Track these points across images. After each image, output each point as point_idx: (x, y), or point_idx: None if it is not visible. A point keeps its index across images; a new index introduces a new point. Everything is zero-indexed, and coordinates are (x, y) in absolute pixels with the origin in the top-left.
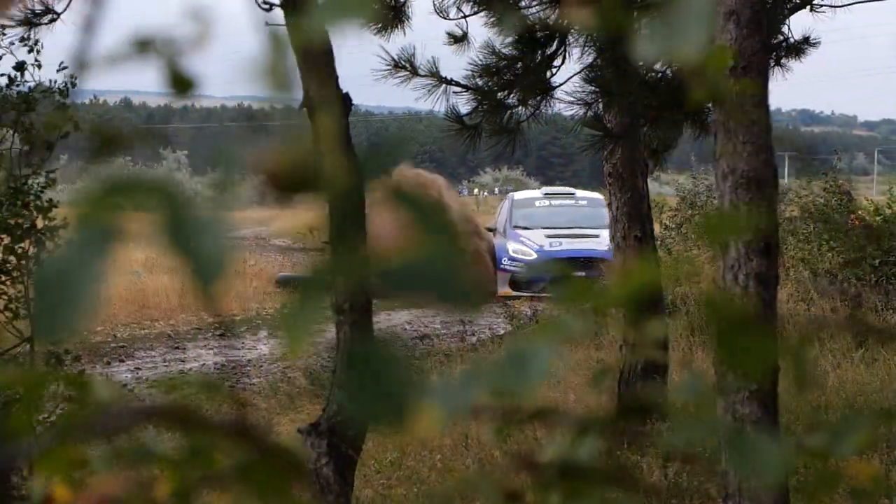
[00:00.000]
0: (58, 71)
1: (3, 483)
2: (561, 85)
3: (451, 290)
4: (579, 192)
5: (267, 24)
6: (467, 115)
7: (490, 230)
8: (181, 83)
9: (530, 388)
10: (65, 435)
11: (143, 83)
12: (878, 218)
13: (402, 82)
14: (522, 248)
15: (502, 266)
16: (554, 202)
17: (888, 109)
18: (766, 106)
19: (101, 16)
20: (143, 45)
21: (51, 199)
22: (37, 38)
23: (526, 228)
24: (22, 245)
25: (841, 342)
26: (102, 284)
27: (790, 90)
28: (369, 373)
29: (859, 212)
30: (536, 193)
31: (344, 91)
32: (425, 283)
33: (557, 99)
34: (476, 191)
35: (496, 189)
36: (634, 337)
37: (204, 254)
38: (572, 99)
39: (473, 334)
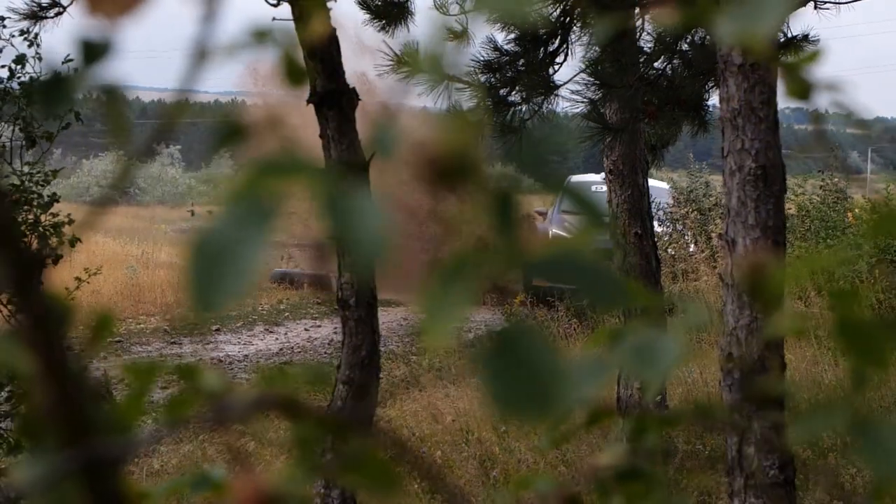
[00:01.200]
0: (63, 63)
1: (116, 476)
2: (565, 83)
3: (597, 287)
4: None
5: (274, 19)
6: (469, 111)
7: (540, 213)
8: (295, 74)
9: (659, 377)
10: (177, 426)
11: (136, 78)
12: (874, 216)
13: (404, 77)
14: (564, 233)
15: None
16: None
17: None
18: (775, 103)
19: (220, 6)
20: (262, 36)
21: (54, 194)
22: (36, 31)
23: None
24: (24, 241)
25: (853, 366)
26: (262, 259)
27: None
28: (516, 361)
29: (856, 210)
30: (596, 178)
31: (351, 86)
32: (574, 276)
33: (561, 97)
34: None
35: None
36: (764, 327)
37: (363, 232)
38: (576, 97)
39: (469, 331)
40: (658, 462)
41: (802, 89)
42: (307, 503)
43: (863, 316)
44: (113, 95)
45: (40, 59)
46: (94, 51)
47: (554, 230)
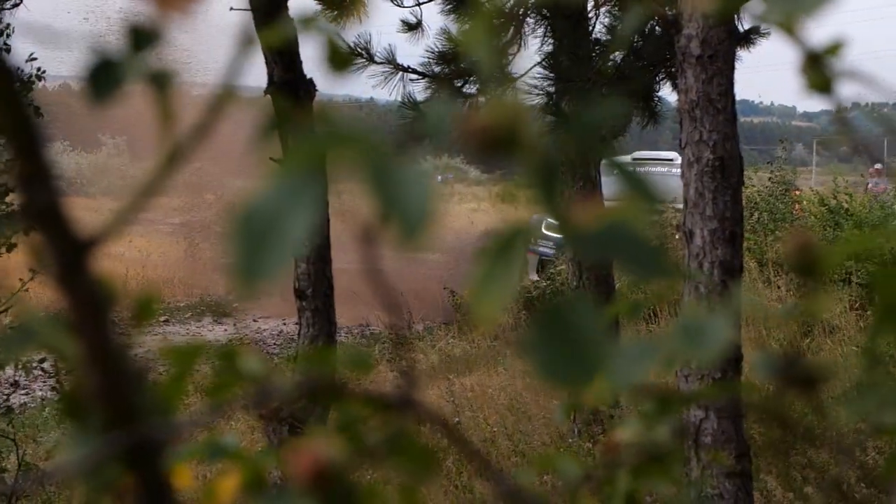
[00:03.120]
0: (27, 62)
1: (159, 459)
2: (521, 76)
3: (642, 260)
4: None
5: (232, 9)
6: (423, 102)
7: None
8: (340, 60)
9: (709, 357)
10: (220, 409)
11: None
12: (822, 208)
13: (358, 69)
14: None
15: (531, 248)
16: (641, 170)
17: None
18: (732, 94)
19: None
20: (307, 23)
21: (5, 184)
22: (8, 22)
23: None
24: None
25: (787, 332)
26: (308, 230)
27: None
28: (560, 332)
29: (804, 202)
30: (623, 159)
31: (308, 76)
32: (620, 249)
33: (516, 88)
34: (439, 178)
35: (437, 177)
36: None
37: (409, 202)
38: (533, 89)
39: (420, 322)
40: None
41: (824, 81)
42: (357, 482)
43: None
44: (162, 82)
45: (9, 50)
46: (142, 38)
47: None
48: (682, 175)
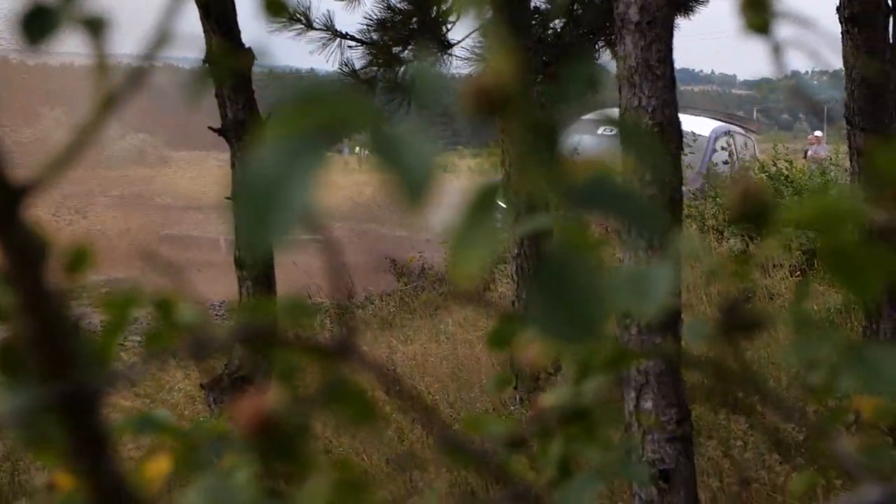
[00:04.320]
0: None
1: (95, 410)
2: (459, 42)
3: (634, 214)
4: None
5: None
6: (362, 69)
7: None
8: (275, 5)
9: (651, 308)
10: (154, 358)
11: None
12: (762, 175)
13: (297, 35)
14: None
15: None
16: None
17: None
18: (671, 61)
19: None
20: None
21: None
22: None
23: None
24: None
25: (850, 295)
26: (312, 193)
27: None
28: (562, 284)
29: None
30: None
31: (246, 46)
32: (611, 202)
33: (454, 56)
34: (357, 149)
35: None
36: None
37: (410, 164)
38: (471, 56)
39: (363, 290)
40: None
41: (762, 22)
42: (305, 429)
43: (850, 242)
44: (96, 28)
45: None
46: (276, 6)
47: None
48: (622, 141)
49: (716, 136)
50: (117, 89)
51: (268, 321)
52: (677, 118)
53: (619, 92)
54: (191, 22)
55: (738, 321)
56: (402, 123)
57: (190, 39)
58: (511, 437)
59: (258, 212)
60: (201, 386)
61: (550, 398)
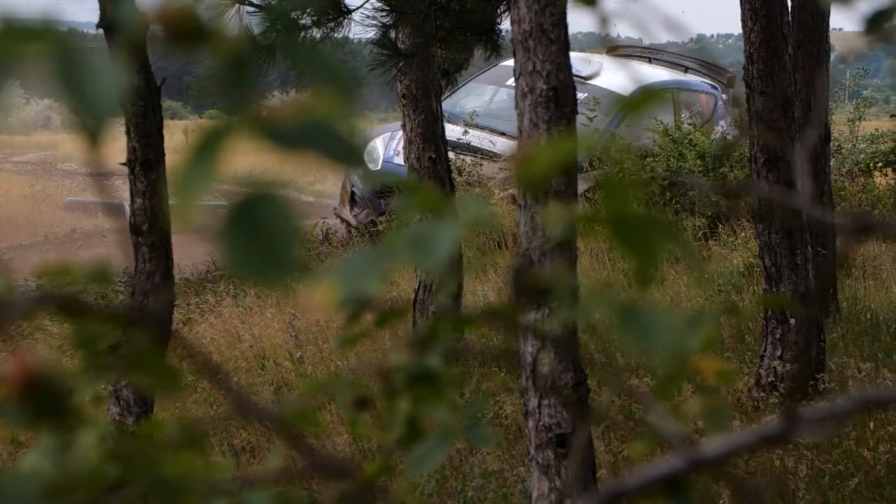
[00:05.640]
0: None
1: None
2: (358, 8)
3: (342, 149)
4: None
5: None
6: (261, 34)
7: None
8: None
9: (435, 265)
10: None
11: None
12: (666, 139)
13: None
14: (373, 151)
15: (351, 180)
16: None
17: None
18: (566, 24)
19: None
20: None
21: None
22: None
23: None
24: None
25: (631, 262)
26: None
27: (575, 12)
28: (252, 225)
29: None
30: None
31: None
32: (314, 141)
33: (354, 21)
34: None
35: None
36: (543, 218)
37: (93, 93)
38: (369, 21)
39: None
40: (451, 364)
41: None
42: (69, 389)
43: (635, 211)
44: None
45: None
46: None
47: (379, 143)
48: (517, 105)
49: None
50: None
51: (73, 288)
52: (572, 82)
53: (514, 56)
54: None
55: (525, 286)
56: (95, 53)
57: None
58: (355, 398)
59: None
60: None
61: (396, 360)
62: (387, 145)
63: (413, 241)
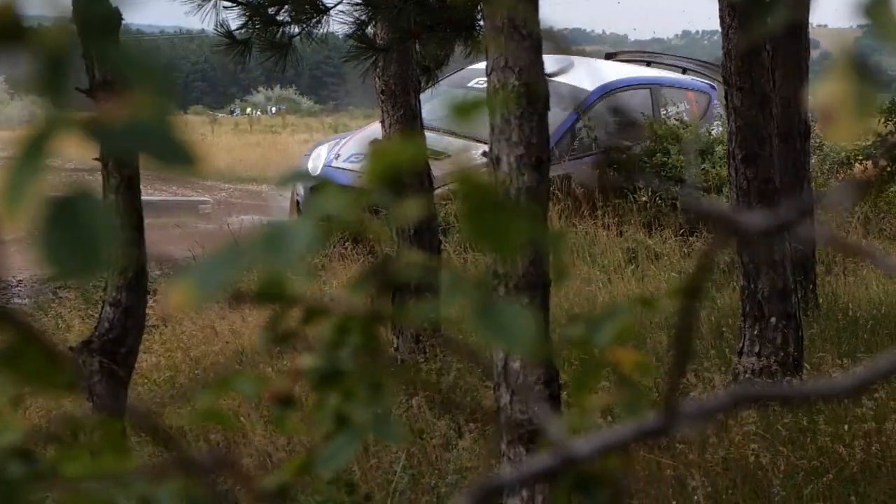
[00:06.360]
0: None
1: None
2: (336, 5)
3: (170, 150)
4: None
5: None
6: (238, 29)
7: None
8: None
9: (286, 264)
10: None
11: None
12: (653, 132)
13: None
14: (317, 157)
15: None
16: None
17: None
18: (538, 21)
19: None
20: None
21: None
22: None
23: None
24: None
25: (612, 258)
26: None
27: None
28: (69, 224)
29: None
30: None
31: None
32: (142, 142)
33: (332, 17)
34: (249, 110)
35: (270, 108)
36: (399, 217)
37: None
38: (345, 17)
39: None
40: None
41: None
42: None
43: (493, 202)
44: None
45: None
46: None
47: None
48: (488, 102)
49: (601, 94)
50: None
51: None
52: (544, 78)
53: (486, 52)
54: None
55: (386, 281)
56: None
57: None
58: (279, 395)
59: None
60: (70, 349)
61: (307, 360)
62: (330, 150)
63: (267, 239)
